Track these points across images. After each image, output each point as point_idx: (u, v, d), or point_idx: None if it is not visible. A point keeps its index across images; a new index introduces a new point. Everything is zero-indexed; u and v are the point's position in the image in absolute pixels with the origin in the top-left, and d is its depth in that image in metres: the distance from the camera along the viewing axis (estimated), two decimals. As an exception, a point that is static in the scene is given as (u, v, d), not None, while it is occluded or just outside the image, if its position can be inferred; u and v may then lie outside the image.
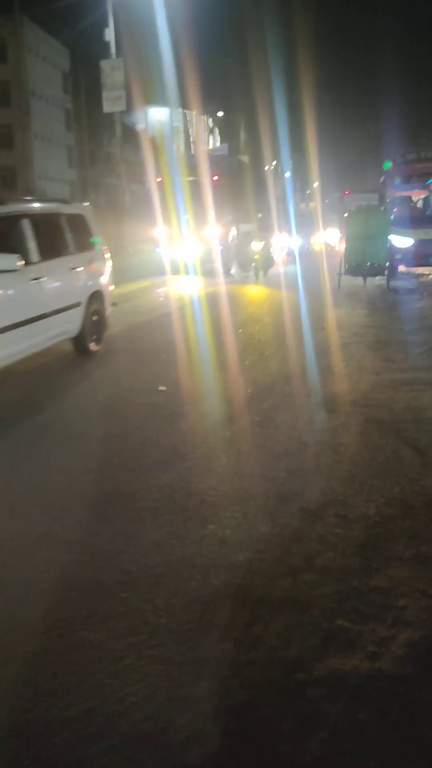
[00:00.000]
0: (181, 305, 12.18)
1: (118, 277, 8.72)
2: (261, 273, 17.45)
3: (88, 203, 8.74)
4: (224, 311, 10.94)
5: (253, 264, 17.61)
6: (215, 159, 26.46)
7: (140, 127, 34.47)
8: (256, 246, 17.95)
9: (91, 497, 3.75)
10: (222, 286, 14.96)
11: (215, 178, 19.88)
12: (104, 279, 8.07)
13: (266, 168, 37.67)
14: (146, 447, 4.56)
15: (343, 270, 14.84)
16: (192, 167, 21.01)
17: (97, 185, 47.36)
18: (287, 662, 2.34)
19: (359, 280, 15.03)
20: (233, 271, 18.98)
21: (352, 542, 3.15)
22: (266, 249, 18.35)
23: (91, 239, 7.82)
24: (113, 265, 8.44)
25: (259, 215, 19.60)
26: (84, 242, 7.60)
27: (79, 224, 7.58)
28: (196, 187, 19.17)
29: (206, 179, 19.40)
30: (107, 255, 8.26)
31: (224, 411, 5.40)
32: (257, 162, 36.48)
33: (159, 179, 20.88)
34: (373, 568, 2.91)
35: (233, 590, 2.78)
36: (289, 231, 25.99)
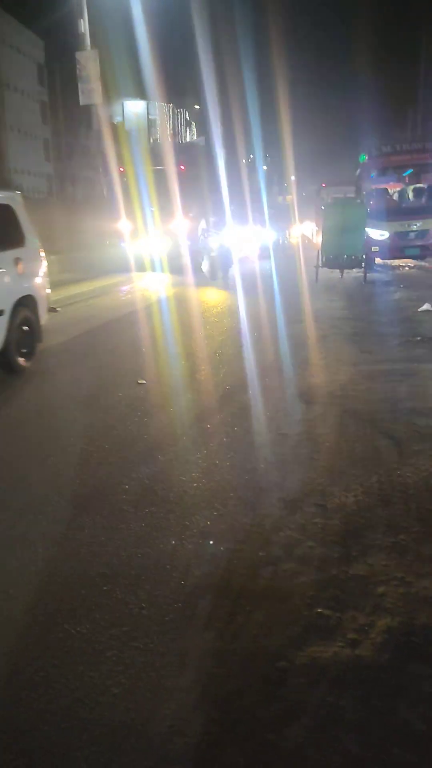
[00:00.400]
0: (143, 306, 11.61)
1: (80, 274, 8.54)
2: (219, 273, 15.16)
3: (18, 192, 7.51)
4: (193, 311, 10.80)
5: (208, 263, 15.43)
6: (183, 148, 25.58)
7: (117, 119, 34.23)
8: (213, 242, 16.01)
9: (73, 491, 3.75)
10: (191, 284, 14.43)
11: (182, 167, 18.91)
12: (38, 281, 6.99)
13: (243, 161, 37.64)
14: (126, 441, 4.56)
15: (320, 262, 14.93)
16: (160, 157, 19.67)
17: (74, 178, 46.95)
18: (269, 651, 2.36)
19: (336, 272, 15.13)
20: (205, 267, 17.60)
21: (332, 531, 3.18)
22: (224, 246, 15.89)
23: (20, 234, 6.75)
24: (81, 260, 7.83)
25: (213, 208, 18.35)
26: (10, 238, 6.55)
27: (4, 216, 6.56)
28: (162, 178, 18.01)
29: (172, 169, 18.38)
30: (42, 253, 7.25)
31: (204, 405, 5.41)
32: (233, 155, 36.42)
33: (122, 169, 19.88)
34: (352, 556, 2.95)
35: (215, 581, 2.80)
36: (263, 224, 25.07)
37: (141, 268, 17.16)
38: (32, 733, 2.04)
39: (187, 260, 16.79)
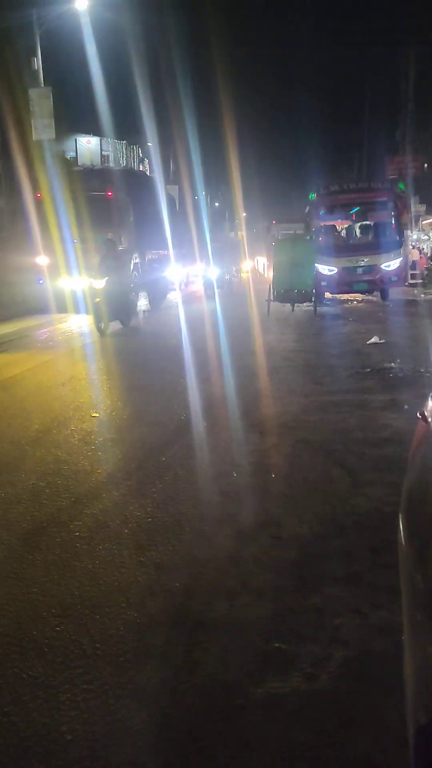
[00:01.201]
0: (58, 356, 10.04)
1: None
2: (104, 324, 11.77)
3: None
4: (137, 351, 10.56)
5: (94, 309, 12.06)
6: (111, 172, 21.78)
7: (70, 155, 34.42)
8: (97, 284, 12.12)
9: (24, 528, 3.65)
10: (119, 329, 12.75)
11: (109, 193, 16.41)
12: None
13: (194, 197, 38.27)
14: (79, 475, 4.49)
15: (272, 296, 15.19)
16: (88, 182, 16.88)
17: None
18: (226, 687, 2.33)
19: (288, 306, 15.42)
20: (141, 305, 16.16)
21: (287, 562, 3.18)
22: (117, 288, 12.21)
23: None
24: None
25: (109, 237, 14.09)
26: None
27: None
28: (85, 205, 15.40)
29: (98, 195, 15.84)
30: None
31: (158, 437, 5.38)
32: (185, 192, 37.00)
33: (38, 195, 16.92)
34: (308, 587, 2.95)
35: (170, 616, 2.76)
36: (208, 261, 22.51)
37: (62, 309, 14.93)
38: (-20, 784, 1.94)
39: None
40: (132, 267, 16.60)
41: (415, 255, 24.68)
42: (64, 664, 2.46)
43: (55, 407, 6.48)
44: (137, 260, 17.30)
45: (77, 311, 14.34)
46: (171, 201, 24.05)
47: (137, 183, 20.03)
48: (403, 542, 1.48)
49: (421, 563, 1.26)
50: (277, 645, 2.54)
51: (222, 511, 3.85)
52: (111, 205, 16.24)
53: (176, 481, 4.35)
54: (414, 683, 1.18)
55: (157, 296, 18.12)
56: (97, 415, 6.11)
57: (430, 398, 1.77)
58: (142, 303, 17.11)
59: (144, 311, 16.61)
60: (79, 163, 32.46)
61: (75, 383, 7.72)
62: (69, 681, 2.37)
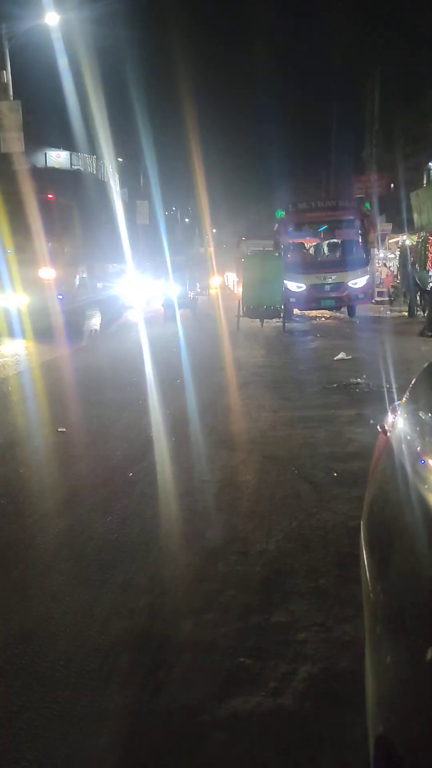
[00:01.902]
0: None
1: None
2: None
3: None
4: (104, 368, 10.15)
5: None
6: (53, 172, 19.61)
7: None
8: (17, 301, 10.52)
9: (-16, 546, 3.57)
10: (65, 353, 11.18)
11: (49, 196, 14.23)
12: None
13: (166, 213, 38.45)
14: (43, 492, 4.42)
15: (241, 312, 15.28)
16: (26, 183, 14.24)
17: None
18: (190, 707, 2.29)
19: (257, 321, 15.52)
20: (91, 327, 14.63)
21: (253, 579, 3.17)
22: (40, 306, 10.78)
23: None
24: None
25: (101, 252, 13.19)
26: None
27: None
28: (21, 209, 13.05)
29: (36, 198, 13.44)
30: None
31: (125, 453, 5.33)
32: (155, 207, 37.11)
33: None
34: (274, 603, 2.94)
35: (134, 636, 2.71)
36: (167, 277, 20.29)
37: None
38: None
39: (59, 320, 12.83)
40: (77, 282, 15.03)
41: (382, 273, 25.15)
42: (24, 686, 2.40)
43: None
44: (84, 274, 15.59)
45: (11, 334, 12.69)
46: (129, 210, 23.18)
47: (86, 187, 17.97)
48: (364, 555, 1.49)
49: (381, 576, 1.26)
50: (241, 662, 2.52)
51: (189, 527, 3.81)
52: (52, 210, 14.04)
53: (142, 497, 4.30)
54: (373, 694, 1.18)
55: (110, 315, 16.79)
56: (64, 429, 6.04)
57: (390, 412, 1.79)
58: (92, 323, 15.82)
59: (92, 331, 15.11)
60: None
61: None
62: (29, 703, 2.31)
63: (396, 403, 1.84)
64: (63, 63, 23.86)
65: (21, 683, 2.41)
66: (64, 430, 6.00)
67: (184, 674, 2.47)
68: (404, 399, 1.75)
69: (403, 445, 1.44)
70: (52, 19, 21.23)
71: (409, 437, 1.45)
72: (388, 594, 1.17)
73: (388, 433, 1.64)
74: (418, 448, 1.37)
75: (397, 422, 1.63)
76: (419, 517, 1.09)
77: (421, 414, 1.51)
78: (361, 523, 1.59)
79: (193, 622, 2.80)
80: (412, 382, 1.78)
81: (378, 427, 1.81)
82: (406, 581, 1.10)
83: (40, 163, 35.23)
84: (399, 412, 1.68)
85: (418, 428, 1.45)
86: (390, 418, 1.76)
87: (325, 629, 2.72)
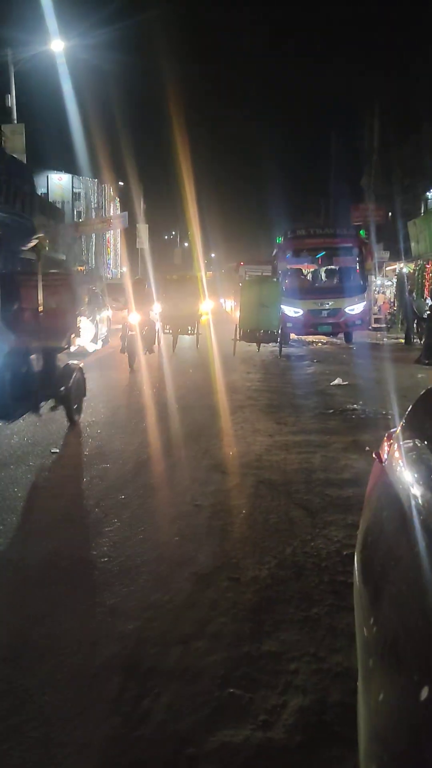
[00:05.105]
0: None
1: None
2: None
3: None
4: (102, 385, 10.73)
5: None
6: None
7: (41, 191, 34.62)
8: None
9: (-28, 567, 3.52)
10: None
11: None
12: None
13: (166, 237, 38.71)
14: (34, 512, 4.36)
15: (238, 336, 15.31)
16: None
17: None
18: (177, 737, 2.24)
19: (254, 346, 15.54)
20: None
21: (244, 606, 3.11)
22: None
23: None
24: None
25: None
26: None
27: None
28: None
29: None
30: None
31: (118, 474, 5.29)
32: (157, 231, 37.42)
33: None
34: (265, 632, 2.88)
35: (122, 661, 2.66)
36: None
37: None
38: None
39: None
40: None
41: (379, 300, 25.29)
42: (8, 711, 2.34)
43: None
44: None
45: None
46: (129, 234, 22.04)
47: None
48: (358, 584, 1.46)
49: (374, 607, 1.23)
50: (231, 691, 2.46)
51: (180, 552, 3.76)
52: None
53: (134, 520, 4.25)
54: (366, 731, 1.14)
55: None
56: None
57: (385, 439, 1.77)
58: None
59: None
60: (50, 200, 32.57)
61: None
62: (13, 729, 2.25)
63: (392, 430, 1.82)
64: (66, 88, 24.25)
65: (5, 709, 2.35)
66: (57, 450, 5.96)
67: (172, 703, 2.41)
68: (400, 426, 1.73)
69: (398, 474, 1.42)
70: (57, 45, 21.60)
71: (404, 465, 1.42)
72: (382, 626, 1.14)
73: (384, 461, 1.62)
74: (414, 477, 1.34)
75: (393, 450, 1.61)
76: (415, 547, 1.07)
77: (417, 442, 1.49)
78: (355, 552, 1.56)
79: (182, 650, 2.75)
80: (409, 409, 1.76)
81: (373, 454, 1.79)
82: (400, 614, 1.07)
83: (42, 186, 35.58)
84: (394, 440, 1.66)
85: (413, 456, 1.43)
86: (385, 445, 1.74)
87: (317, 659, 2.67)
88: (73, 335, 7.19)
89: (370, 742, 1.06)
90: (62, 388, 6.54)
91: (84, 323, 7.53)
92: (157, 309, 16.69)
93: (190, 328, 16.04)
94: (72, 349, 6.98)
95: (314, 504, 4.54)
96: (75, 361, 7.02)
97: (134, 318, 12.36)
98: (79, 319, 7.57)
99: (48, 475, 5.25)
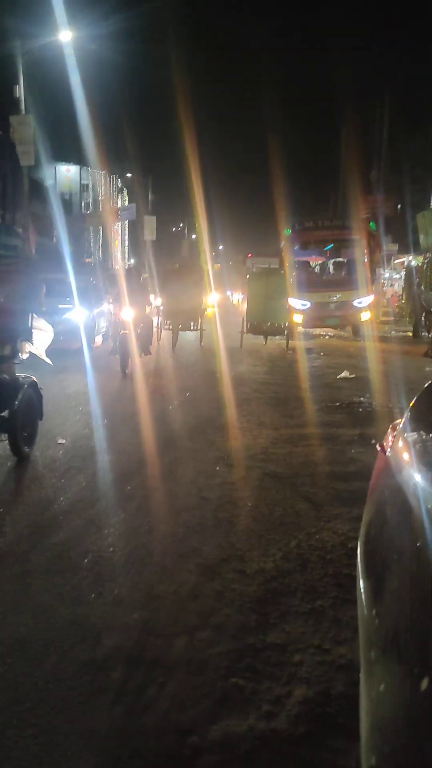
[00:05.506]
0: None
1: None
2: None
3: None
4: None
5: None
6: None
7: (49, 182, 34.62)
8: None
9: (-22, 557, 3.53)
10: None
11: None
12: None
13: (174, 229, 38.61)
14: (41, 503, 4.38)
15: (245, 329, 15.27)
16: None
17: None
18: (181, 727, 2.25)
19: (261, 338, 15.50)
20: None
21: (249, 598, 3.12)
22: None
23: None
24: None
25: None
26: None
27: None
28: None
29: None
30: None
31: (124, 466, 5.30)
32: (165, 222, 37.34)
33: None
34: (270, 623, 2.89)
35: (127, 652, 2.67)
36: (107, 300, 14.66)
37: None
38: None
39: None
40: None
41: (388, 293, 25.19)
42: (12, 699, 2.36)
43: None
44: None
45: None
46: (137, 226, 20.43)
47: None
48: (361, 577, 1.45)
49: (376, 599, 1.23)
50: (235, 682, 2.47)
51: (185, 544, 3.77)
52: None
53: (139, 512, 4.26)
54: (367, 722, 1.14)
55: None
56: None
57: (390, 430, 1.76)
58: None
59: None
60: (56, 191, 32.53)
61: None
62: (17, 717, 2.27)
63: (396, 422, 1.81)
64: (75, 79, 24.17)
65: (9, 698, 2.37)
66: (64, 441, 5.97)
67: (176, 693, 2.42)
68: (404, 418, 1.72)
69: (402, 465, 1.41)
70: (65, 36, 21.50)
71: (409, 457, 1.42)
72: (384, 618, 1.14)
73: (387, 453, 1.61)
74: (418, 468, 1.34)
75: (397, 441, 1.60)
76: (418, 539, 1.06)
77: (422, 433, 1.48)
78: (358, 544, 1.55)
79: (186, 640, 2.76)
80: (413, 401, 1.75)
81: (377, 446, 1.78)
82: (402, 606, 1.06)
83: (51, 178, 35.56)
84: (399, 432, 1.65)
85: (418, 448, 1.42)
86: (390, 437, 1.73)
87: (322, 651, 2.67)
88: (23, 341, 5.48)
89: (371, 733, 1.06)
90: (5, 412, 5.14)
91: (41, 324, 5.66)
92: (157, 302, 15.47)
93: (192, 323, 15.08)
94: (23, 357, 5.50)
95: (320, 497, 4.54)
96: (24, 375, 5.55)
97: (127, 314, 10.79)
98: (32, 318, 5.56)
99: (53, 465, 5.26)
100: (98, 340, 14.16)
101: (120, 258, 44.43)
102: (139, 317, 11.11)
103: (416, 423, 1.59)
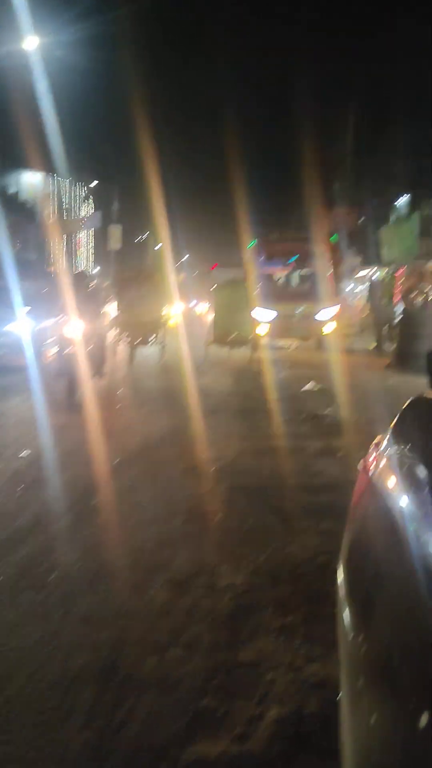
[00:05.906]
0: None
1: None
2: None
3: None
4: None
5: None
6: None
7: (12, 190, 34.20)
8: None
9: None
10: None
11: None
12: None
13: (137, 240, 38.48)
14: (3, 518, 4.27)
15: (210, 340, 15.26)
16: None
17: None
18: (152, 750, 2.20)
19: (225, 350, 15.51)
20: None
21: (220, 614, 3.09)
22: None
23: None
24: None
25: None
26: None
27: None
28: None
29: None
30: None
31: (91, 479, 5.22)
32: (130, 231, 37.19)
33: None
34: (241, 640, 2.86)
35: (96, 672, 2.61)
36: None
37: None
38: None
39: None
40: None
41: (357, 306, 25.51)
42: (-23, 726, 2.27)
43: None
44: None
45: None
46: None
47: None
48: (343, 599, 1.44)
49: (364, 624, 1.21)
50: (206, 703, 2.43)
51: (154, 559, 3.72)
52: None
53: (107, 526, 4.19)
54: (353, 754, 1.12)
55: None
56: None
57: (371, 449, 1.76)
58: None
59: None
60: (20, 199, 32.16)
61: None
62: (-18, 746, 2.18)
63: (376, 440, 1.81)
64: (40, 86, 23.96)
65: (-26, 724, 2.28)
66: (28, 451, 5.85)
67: (147, 714, 2.37)
68: (386, 437, 1.72)
69: (387, 488, 1.40)
70: (30, 43, 21.30)
71: (395, 480, 1.41)
72: (373, 644, 1.12)
73: (371, 473, 1.61)
74: (405, 489, 1.33)
75: (379, 462, 1.60)
76: (412, 565, 1.05)
77: (406, 453, 1.48)
78: (340, 565, 1.54)
79: (157, 659, 2.71)
80: (395, 419, 1.76)
81: (359, 466, 1.78)
82: (395, 633, 1.05)
83: (14, 186, 35.14)
84: (380, 451, 1.65)
85: (404, 468, 1.42)
86: (371, 456, 1.72)
87: (293, 669, 2.65)
88: None
89: (363, 763, 1.04)
90: None
91: None
92: (111, 314, 13.80)
93: (151, 337, 13.98)
94: None
95: (288, 510, 4.52)
96: None
97: (73, 329, 8.82)
98: None
99: (17, 478, 5.14)
100: (50, 352, 11.74)
101: (84, 267, 44.04)
102: (89, 333, 9.15)
103: (399, 441, 1.59)
